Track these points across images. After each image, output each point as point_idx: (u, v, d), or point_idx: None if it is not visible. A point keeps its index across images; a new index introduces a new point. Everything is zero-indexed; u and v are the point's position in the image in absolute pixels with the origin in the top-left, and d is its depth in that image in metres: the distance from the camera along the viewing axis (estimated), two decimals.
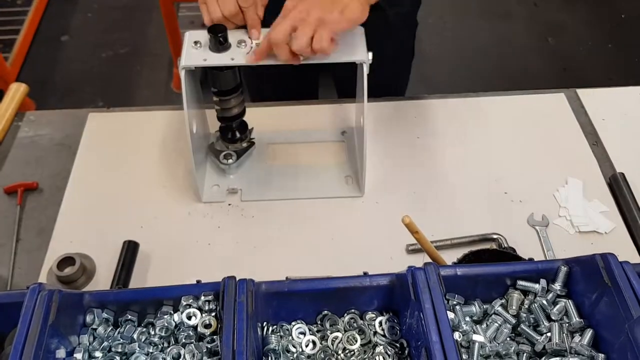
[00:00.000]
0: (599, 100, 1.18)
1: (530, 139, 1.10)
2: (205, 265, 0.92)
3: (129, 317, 0.70)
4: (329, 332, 0.73)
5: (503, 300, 0.73)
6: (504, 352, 0.69)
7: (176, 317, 0.70)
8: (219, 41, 0.85)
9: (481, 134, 1.11)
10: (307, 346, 0.71)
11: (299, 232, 0.96)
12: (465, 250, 0.86)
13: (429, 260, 0.80)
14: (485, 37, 2.79)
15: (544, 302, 0.71)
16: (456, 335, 0.68)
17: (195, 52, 0.87)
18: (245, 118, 1.03)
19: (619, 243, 0.94)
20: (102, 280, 0.90)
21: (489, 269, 0.73)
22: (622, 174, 1.02)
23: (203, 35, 0.87)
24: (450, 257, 0.87)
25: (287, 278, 0.85)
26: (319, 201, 1.00)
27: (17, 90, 1.14)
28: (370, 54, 0.87)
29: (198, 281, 0.73)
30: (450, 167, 1.05)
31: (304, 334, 0.73)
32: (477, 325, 0.70)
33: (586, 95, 1.18)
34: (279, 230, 0.96)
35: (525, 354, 0.69)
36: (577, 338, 0.68)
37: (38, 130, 1.13)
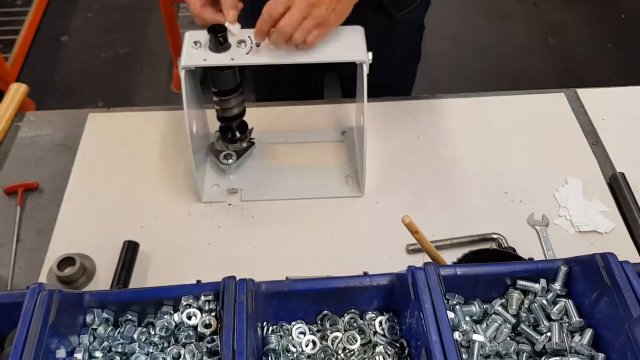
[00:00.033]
0: (599, 100, 1.18)
1: (531, 139, 1.10)
2: (205, 265, 0.92)
3: (129, 317, 0.70)
4: (329, 331, 0.73)
5: (503, 300, 0.73)
6: (504, 352, 0.69)
7: (176, 317, 0.70)
8: (218, 41, 0.85)
9: (481, 134, 1.11)
10: (307, 346, 0.71)
11: (299, 232, 0.96)
12: (465, 250, 0.86)
13: (429, 260, 0.80)
14: (485, 37, 2.79)
15: (544, 301, 0.71)
16: (456, 335, 0.68)
17: (195, 52, 0.87)
18: (245, 118, 1.03)
19: (619, 243, 0.94)
20: (102, 281, 0.90)
21: (489, 269, 0.73)
22: (622, 173, 1.02)
23: (203, 35, 0.87)
24: (450, 257, 0.87)
25: (287, 278, 0.85)
26: (319, 201, 1.00)
27: (17, 91, 1.14)
28: (370, 54, 0.87)
29: (198, 281, 0.73)
30: (450, 167, 1.05)
31: (304, 333, 0.73)
32: (477, 325, 0.70)
33: (586, 95, 1.19)
34: (279, 230, 0.96)
35: (525, 354, 0.69)
36: (577, 338, 0.68)
37: (38, 131, 1.13)
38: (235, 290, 0.66)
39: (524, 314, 0.71)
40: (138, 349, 0.67)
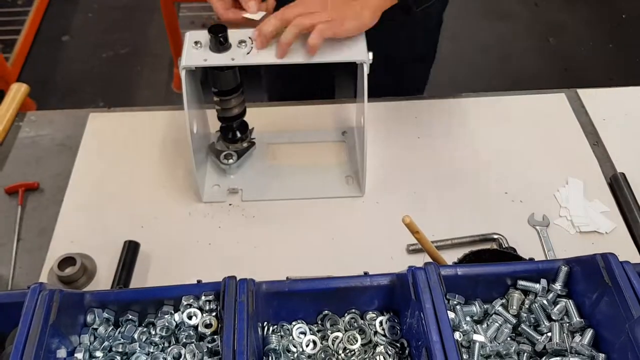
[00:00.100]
0: (600, 100, 1.18)
1: (531, 139, 1.10)
2: (205, 265, 0.92)
3: (130, 317, 0.70)
4: (329, 332, 0.73)
5: (503, 300, 0.73)
6: (504, 352, 0.69)
7: (177, 317, 0.70)
8: (219, 41, 0.85)
9: (482, 134, 1.11)
10: (307, 346, 0.71)
11: (300, 232, 0.96)
12: (466, 250, 0.86)
13: (430, 260, 0.80)
14: (485, 37, 2.79)
15: (545, 302, 0.71)
16: (457, 335, 0.68)
17: (195, 52, 0.87)
18: (245, 118, 1.03)
19: (620, 243, 0.94)
20: (102, 280, 0.90)
21: (490, 269, 0.73)
22: (623, 174, 1.02)
23: (203, 36, 0.87)
24: (450, 257, 0.87)
25: (287, 278, 0.85)
26: (320, 201, 1.00)
27: (18, 91, 1.14)
28: (371, 54, 0.87)
29: (199, 281, 0.73)
30: (451, 167, 1.05)
31: (304, 333, 0.73)
32: (478, 325, 0.70)
33: (587, 95, 1.18)
34: (280, 230, 0.96)
35: (525, 354, 0.69)
36: (577, 338, 0.68)
37: (39, 131, 1.13)
38: (235, 290, 0.66)
39: (525, 314, 0.71)
40: (139, 348, 0.68)
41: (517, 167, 1.05)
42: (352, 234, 0.96)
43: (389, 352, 0.70)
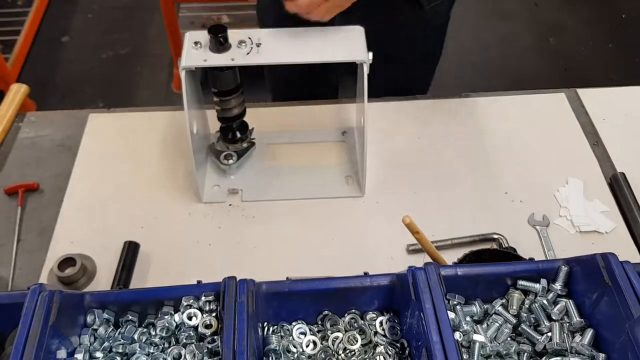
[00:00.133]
0: (600, 100, 1.18)
1: (531, 139, 1.10)
2: (205, 266, 0.92)
3: (130, 317, 0.70)
4: (329, 332, 0.73)
5: (504, 300, 0.73)
6: (504, 352, 0.69)
7: (177, 317, 0.70)
8: (219, 41, 0.85)
9: (482, 134, 1.11)
10: (307, 346, 0.71)
11: (300, 232, 0.96)
12: (466, 250, 0.86)
13: (430, 260, 0.80)
14: (485, 37, 2.79)
15: (545, 301, 0.71)
16: (457, 335, 0.68)
17: (195, 52, 0.87)
18: (245, 118, 1.03)
19: (620, 243, 0.94)
20: (102, 281, 0.90)
21: (490, 269, 0.73)
22: (623, 173, 1.02)
23: (203, 36, 0.87)
24: (450, 257, 0.87)
25: (287, 278, 0.85)
26: (320, 201, 1.00)
27: (17, 91, 1.14)
28: (371, 54, 0.87)
29: (199, 281, 0.73)
30: (451, 167, 1.05)
31: (304, 334, 0.73)
32: (478, 325, 0.70)
33: (587, 95, 1.18)
34: (280, 231, 0.96)
35: (525, 354, 0.69)
36: (577, 338, 0.68)
37: (39, 131, 1.13)
38: (235, 290, 0.66)
39: (525, 314, 0.71)
40: (139, 349, 0.68)
41: (517, 167, 1.05)
42: (352, 234, 0.96)
43: (389, 353, 0.70)
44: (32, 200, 1.01)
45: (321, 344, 0.72)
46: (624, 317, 0.63)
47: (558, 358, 0.67)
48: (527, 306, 0.72)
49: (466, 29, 2.82)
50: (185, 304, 0.69)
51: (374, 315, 0.74)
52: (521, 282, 0.72)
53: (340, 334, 0.72)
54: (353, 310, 0.74)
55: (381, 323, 0.73)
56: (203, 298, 0.69)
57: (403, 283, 0.68)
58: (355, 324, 0.73)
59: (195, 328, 0.69)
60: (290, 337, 0.72)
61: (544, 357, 0.68)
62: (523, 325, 0.70)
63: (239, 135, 1.03)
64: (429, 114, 1.15)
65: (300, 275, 0.86)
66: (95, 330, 0.69)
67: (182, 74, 0.86)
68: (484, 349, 0.67)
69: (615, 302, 0.64)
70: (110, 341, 0.69)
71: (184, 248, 0.94)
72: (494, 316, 0.71)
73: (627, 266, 0.66)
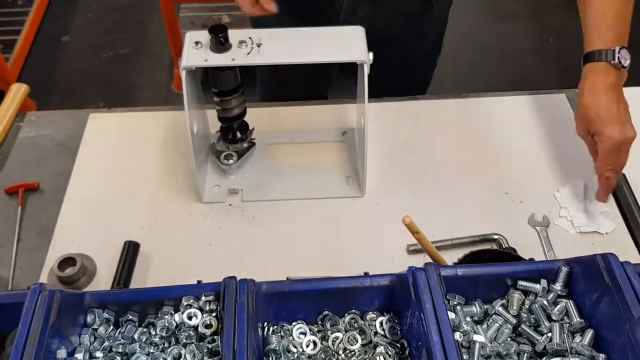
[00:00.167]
0: None
1: (531, 139, 1.10)
2: (206, 266, 0.92)
3: (130, 317, 0.70)
4: (329, 332, 0.73)
5: (504, 301, 0.73)
6: (504, 353, 0.69)
7: (177, 317, 0.70)
8: (219, 41, 0.85)
9: (482, 134, 1.11)
10: (307, 346, 0.71)
11: (300, 233, 0.96)
12: (466, 251, 0.86)
13: (430, 260, 0.80)
14: (485, 37, 2.79)
15: (545, 302, 0.71)
16: (457, 335, 0.68)
17: (196, 52, 0.87)
18: (246, 118, 1.03)
19: (620, 243, 0.94)
20: (102, 281, 0.90)
21: (490, 269, 0.73)
22: (623, 174, 1.01)
23: (204, 36, 0.87)
24: (450, 257, 0.87)
25: (287, 278, 0.85)
26: (320, 201, 1.00)
27: (18, 91, 1.14)
28: (371, 54, 0.87)
29: (199, 281, 0.73)
30: (451, 167, 1.05)
31: (304, 334, 0.73)
32: (478, 326, 0.70)
33: None
34: (280, 231, 0.96)
35: (525, 354, 0.69)
36: (577, 338, 0.68)
37: (39, 131, 1.13)
38: (236, 290, 0.66)
39: (525, 315, 0.71)
40: (139, 349, 0.68)
41: (517, 167, 1.05)
42: (352, 235, 0.96)
43: (389, 353, 0.70)
44: (33, 200, 1.01)
45: (321, 344, 0.72)
46: (624, 318, 0.63)
47: (558, 358, 0.67)
48: (527, 306, 0.72)
49: (466, 29, 2.82)
50: (185, 303, 0.69)
51: (374, 315, 0.74)
52: (521, 283, 0.72)
53: (340, 334, 0.72)
54: (353, 311, 0.74)
55: (381, 323, 0.73)
56: (203, 298, 0.69)
57: (403, 283, 0.68)
58: (356, 324, 0.73)
59: (196, 328, 0.69)
60: (290, 337, 0.72)
61: (544, 358, 0.68)
62: (523, 326, 0.70)
63: (239, 135, 1.03)
64: (429, 114, 1.15)
65: (300, 275, 0.86)
66: (96, 330, 0.69)
67: (183, 74, 0.86)
68: (484, 349, 0.67)
69: (616, 302, 0.64)
70: (110, 341, 0.69)
71: (184, 248, 0.94)
72: (494, 316, 0.71)
73: (628, 267, 0.66)
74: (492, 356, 0.69)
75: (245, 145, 1.04)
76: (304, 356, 0.71)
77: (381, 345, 0.71)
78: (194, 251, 0.94)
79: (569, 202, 0.99)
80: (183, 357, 0.67)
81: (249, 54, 0.86)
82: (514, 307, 0.71)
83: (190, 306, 0.70)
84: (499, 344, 0.69)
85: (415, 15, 1.12)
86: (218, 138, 1.05)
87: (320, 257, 0.93)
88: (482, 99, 1.18)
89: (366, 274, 0.73)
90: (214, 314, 0.69)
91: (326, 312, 0.74)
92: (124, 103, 2.39)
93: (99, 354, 0.68)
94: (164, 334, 0.69)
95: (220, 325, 0.68)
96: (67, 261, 0.88)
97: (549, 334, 0.69)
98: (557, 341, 0.68)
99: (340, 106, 1.16)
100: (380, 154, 1.07)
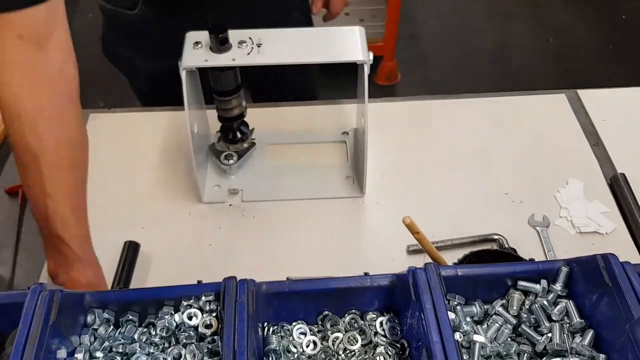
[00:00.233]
0: (600, 101, 1.18)
1: (531, 140, 1.10)
2: (206, 266, 0.92)
3: (130, 317, 0.70)
4: (329, 332, 0.73)
5: (504, 301, 0.73)
6: (504, 353, 0.69)
7: (177, 317, 0.69)
8: (219, 42, 0.85)
9: (482, 135, 1.11)
10: (307, 346, 0.71)
11: (300, 233, 0.96)
12: (466, 251, 0.86)
13: (430, 260, 0.80)
14: (486, 37, 2.79)
15: (545, 302, 0.71)
16: (457, 335, 0.68)
17: (196, 52, 0.87)
18: (246, 118, 1.03)
19: (620, 243, 0.94)
20: None
21: (490, 270, 0.73)
22: (623, 174, 1.02)
23: (204, 36, 0.87)
24: (451, 257, 0.87)
25: (287, 278, 0.85)
26: (320, 201, 1.00)
27: None
28: (371, 54, 0.87)
29: (199, 281, 0.73)
30: (451, 167, 1.06)
31: (304, 334, 0.73)
32: (478, 326, 0.70)
33: (587, 95, 1.19)
34: (280, 231, 0.96)
35: (526, 355, 0.69)
36: (577, 338, 0.68)
37: None
38: (236, 290, 0.66)
39: (525, 315, 0.71)
40: (139, 349, 0.67)
41: (517, 167, 1.05)
42: (352, 235, 0.96)
43: (389, 353, 0.70)
44: None
45: (321, 344, 0.72)
46: (624, 318, 0.63)
47: (558, 359, 0.67)
48: (527, 307, 0.72)
49: (466, 29, 2.82)
50: (185, 303, 0.69)
51: (374, 315, 0.74)
52: (521, 283, 0.72)
53: (340, 334, 0.72)
54: (353, 311, 0.74)
55: (381, 323, 0.73)
56: (203, 298, 0.69)
57: (403, 283, 0.68)
58: (356, 324, 0.73)
59: (196, 328, 0.69)
60: (291, 337, 0.72)
61: (544, 358, 0.68)
62: (523, 326, 0.70)
63: (239, 135, 1.03)
64: (429, 114, 1.15)
65: (300, 276, 0.86)
66: (96, 330, 0.69)
67: (183, 74, 0.86)
68: (484, 349, 0.67)
69: (616, 302, 0.64)
70: (111, 341, 0.69)
71: (184, 248, 0.94)
72: (494, 317, 0.71)
73: (628, 267, 0.66)
74: (492, 356, 0.69)
75: (245, 145, 1.04)
76: (304, 356, 0.71)
77: (381, 345, 0.71)
78: (194, 251, 0.94)
79: (569, 202, 0.99)
80: (183, 357, 0.67)
81: (249, 54, 0.86)
82: (514, 308, 0.71)
83: (191, 306, 0.69)
84: (499, 344, 0.69)
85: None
86: (218, 138, 1.05)
87: (320, 257, 0.93)
88: (482, 99, 1.18)
89: (366, 274, 0.73)
90: (214, 314, 0.69)
91: (326, 312, 0.74)
92: (124, 103, 2.38)
93: (99, 354, 0.68)
94: (164, 334, 0.69)
95: (220, 326, 0.67)
96: None
97: (549, 334, 0.69)
98: (557, 341, 0.67)
99: (340, 106, 1.16)
100: (380, 154, 1.07)
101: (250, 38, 0.87)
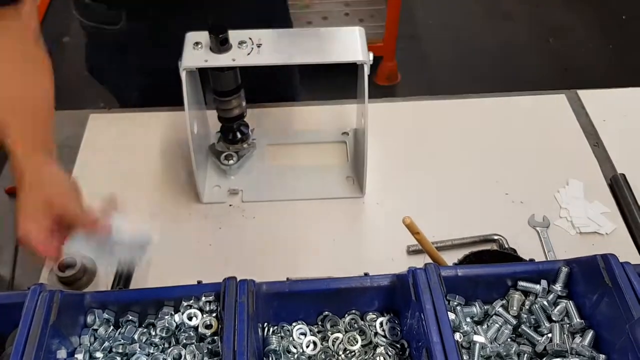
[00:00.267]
0: (600, 101, 1.18)
1: (531, 140, 1.10)
2: (206, 266, 0.92)
3: (130, 317, 0.70)
4: (329, 332, 0.73)
5: (504, 301, 0.73)
6: (504, 353, 0.69)
7: (177, 317, 0.70)
8: (219, 42, 0.85)
9: (482, 135, 1.11)
10: (307, 347, 0.71)
11: (300, 233, 0.96)
12: (466, 251, 0.86)
13: (430, 261, 0.80)
14: (486, 37, 2.79)
15: (545, 302, 0.71)
16: (457, 336, 0.68)
17: (196, 53, 0.87)
18: (246, 119, 1.03)
19: (620, 244, 0.94)
20: (102, 281, 0.90)
21: (490, 270, 0.73)
22: (623, 174, 1.02)
23: (204, 36, 0.87)
24: (451, 258, 0.87)
25: (287, 279, 0.85)
26: (320, 202, 1.00)
27: None
28: (371, 54, 0.87)
29: (199, 282, 0.73)
30: (451, 167, 1.05)
31: (304, 334, 0.73)
32: (478, 326, 0.70)
33: (587, 96, 1.18)
34: (280, 231, 0.96)
35: (526, 355, 0.69)
36: (577, 339, 0.68)
37: None
38: (236, 291, 0.66)
39: (525, 315, 0.71)
40: (139, 349, 0.68)
41: (517, 167, 1.05)
42: (352, 235, 0.96)
43: (389, 353, 0.70)
44: None
45: (321, 344, 0.72)
46: (624, 318, 0.63)
47: (558, 359, 0.67)
48: (527, 307, 0.72)
49: (466, 29, 2.82)
50: (185, 304, 0.69)
51: (374, 315, 0.74)
52: (521, 283, 0.72)
53: (340, 335, 0.72)
54: (353, 311, 0.74)
55: (381, 324, 0.73)
56: (203, 298, 0.69)
57: (403, 283, 0.68)
58: (356, 325, 0.73)
59: (196, 328, 0.69)
60: (291, 338, 0.72)
61: (544, 358, 0.68)
62: (523, 326, 0.70)
63: (239, 135, 1.03)
64: (429, 114, 1.15)
65: (300, 276, 0.86)
66: (96, 330, 0.69)
67: (183, 75, 0.86)
68: (484, 349, 0.67)
69: (616, 303, 0.64)
70: (111, 341, 0.69)
71: (184, 248, 0.94)
72: (494, 317, 0.71)
73: (628, 267, 0.66)
74: (492, 357, 0.69)
75: (245, 145, 1.04)
76: (304, 357, 0.71)
77: (381, 345, 0.71)
78: (194, 251, 0.94)
79: (569, 203, 0.99)
80: (183, 357, 0.67)
81: (249, 54, 0.86)
82: (514, 308, 0.71)
83: (191, 306, 0.70)
84: (499, 344, 0.69)
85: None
86: (218, 138, 1.05)
87: (320, 257, 0.93)
88: (482, 99, 1.18)
89: (366, 275, 0.73)
90: (214, 315, 0.69)
91: (326, 312, 0.74)
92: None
93: (99, 355, 0.68)
94: (164, 335, 0.69)
95: (220, 326, 0.68)
96: (67, 262, 0.88)
97: (549, 335, 0.69)
98: (557, 342, 0.68)
99: (340, 106, 1.16)
100: (380, 154, 1.07)
101: (250, 38, 0.87)
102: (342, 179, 1.04)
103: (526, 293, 0.73)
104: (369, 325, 0.73)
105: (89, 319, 0.68)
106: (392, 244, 0.93)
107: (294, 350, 0.71)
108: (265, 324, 0.72)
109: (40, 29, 0.85)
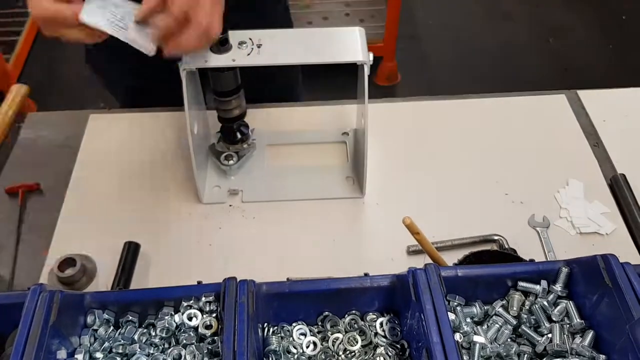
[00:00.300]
0: (600, 102, 1.18)
1: (531, 140, 1.10)
2: (206, 266, 0.92)
3: (130, 318, 0.70)
4: (329, 333, 0.73)
5: (504, 302, 0.73)
6: (504, 353, 0.69)
7: (177, 318, 0.70)
8: (220, 42, 0.85)
9: (482, 135, 1.11)
10: (307, 347, 0.71)
11: (300, 233, 0.96)
12: (466, 252, 0.86)
13: (430, 261, 0.80)
14: (486, 37, 2.79)
15: (545, 303, 0.71)
16: (457, 336, 0.68)
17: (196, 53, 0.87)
18: (246, 119, 1.03)
19: (620, 244, 0.94)
20: (102, 281, 0.90)
21: (490, 270, 0.73)
22: (623, 175, 1.02)
23: None
24: (451, 258, 0.87)
25: (288, 279, 0.85)
26: (320, 202, 1.00)
27: (18, 92, 1.14)
28: (371, 55, 0.87)
29: (199, 282, 0.73)
30: (451, 168, 1.05)
31: (304, 335, 0.73)
32: (478, 326, 0.70)
33: (587, 96, 1.18)
34: (280, 231, 0.96)
35: (526, 355, 0.69)
36: (577, 339, 0.68)
37: (39, 132, 1.13)
38: (236, 291, 0.66)
39: (525, 316, 0.71)
40: (139, 350, 0.68)
41: (517, 168, 1.05)
42: (352, 235, 0.96)
43: (389, 354, 0.70)
44: (33, 201, 1.01)
45: (321, 344, 0.72)
46: (624, 319, 0.63)
47: (558, 359, 0.67)
48: (527, 307, 0.72)
49: (466, 29, 2.83)
50: (185, 304, 0.69)
51: (374, 316, 0.74)
52: (521, 284, 0.72)
53: (340, 335, 0.72)
54: (353, 311, 0.74)
55: (381, 324, 0.73)
56: (203, 299, 0.69)
57: (403, 284, 0.68)
58: (356, 325, 0.73)
59: (196, 329, 0.69)
60: (291, 338, 0.72)
61: (544, 359, 0.68)
62: (523, 327, 0.70)
63: (239, 136, 1.03)
64: (429, 114, 1.15)
65: (300, 276, 0.86)
66: (96, 330, 0.69)
67: (183, 75, 0.86)
68: (484, 350, 0.67)
69: (616, 303, 0.64)
70: (111, 341, 0.69)
71: (184, 248, 0.94)
72: (494, 317, 0.71)
73: (628, 267, 0.66)
74: (493, 357, 0.69)
75: (245, 145, 1.04)
76: (304, 357, 0.71)
77: (381, 346, 0.71)
78: (194, 252, 0.94)
79: (569, 203, 0.99)
80: (183, 357, 0.67)
81: (249, 54, 0.86)
82: (514, 308, 0.71)
83: (191, 307, 0.70)
84: (499, 344, 0.69)
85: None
86: (218, 139, 1.05)
87: (321, 257, 0.93)
88: (482, 99, 1.18)
89: (366, 275, 0.73)
90: (214, 315, 0.69)
91: (326, 312, 0.74)
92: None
93: (99, 355, 0.68)
94: (164, 335, 0.69)
95: (220, 326, 0.68)
96: (67, 262, 0.88)
97: (549, 335, 0.69)
98: (558, 342, 0.68)
99: (340, 106, 1.16)
100: (380, 154, 1.07)
101: (250, 39, 0.87)
102: (342, 179, 1.04)
103: (526, 293, 0.73)
104: (369, 326, 0.73)
105: (89, 319, 0.68)
106: (392, 244, 0.93)
107: (294, 351, 0.71)
108: (265, 324, 0.72)
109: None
